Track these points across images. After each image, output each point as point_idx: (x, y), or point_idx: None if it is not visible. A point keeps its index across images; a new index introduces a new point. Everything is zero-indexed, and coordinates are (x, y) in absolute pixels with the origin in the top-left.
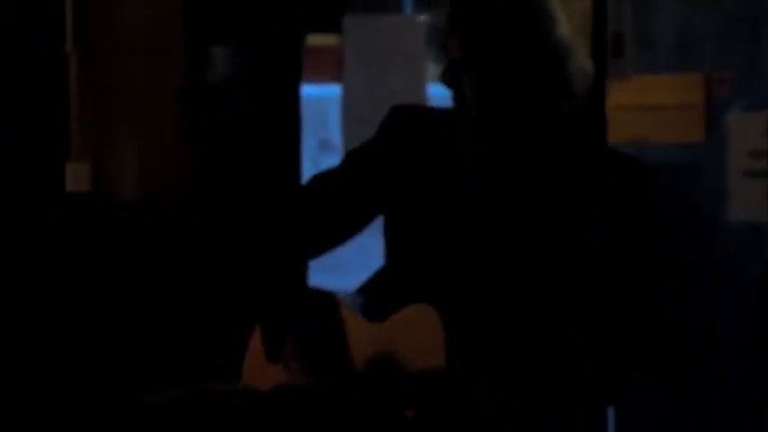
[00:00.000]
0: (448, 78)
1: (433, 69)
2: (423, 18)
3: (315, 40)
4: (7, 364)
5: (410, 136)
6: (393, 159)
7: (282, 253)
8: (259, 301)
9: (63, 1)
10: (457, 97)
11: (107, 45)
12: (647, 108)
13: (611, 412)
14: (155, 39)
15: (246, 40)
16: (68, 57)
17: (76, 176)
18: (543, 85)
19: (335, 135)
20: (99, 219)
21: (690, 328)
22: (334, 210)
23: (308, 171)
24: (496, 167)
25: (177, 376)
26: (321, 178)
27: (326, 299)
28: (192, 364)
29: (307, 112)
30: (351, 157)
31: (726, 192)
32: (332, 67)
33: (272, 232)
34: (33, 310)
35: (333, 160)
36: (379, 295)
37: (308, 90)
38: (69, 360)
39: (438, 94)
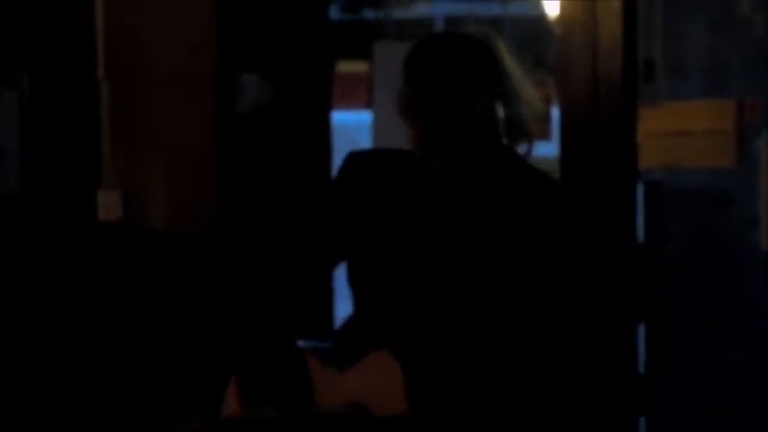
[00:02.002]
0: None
1: None
2: None
3: (345, 66)
4: (35, 389)
5: (364, 182)
6: (349, 206)
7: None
8: (240, 350)
9: (94, 29)
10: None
11: (139, 74)
12: (677, 134)
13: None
14: (187, 67)
15: (277, 67)
16: (100, 85)
17: (108, 205)
18: (495, 127)
19: None
20: (130, 247)
21: (723, 359)
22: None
23: None
24: (450, 208)
25: (203, 405)
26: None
27: (295, 352)
28: (218, 394)
29: (337, 138)
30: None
31: (758, 219)
32: (362, 94)
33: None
34: (64, 337)
35: None
36: (348, 342)
37: (339, 116)
38: (98, 386)
39: None
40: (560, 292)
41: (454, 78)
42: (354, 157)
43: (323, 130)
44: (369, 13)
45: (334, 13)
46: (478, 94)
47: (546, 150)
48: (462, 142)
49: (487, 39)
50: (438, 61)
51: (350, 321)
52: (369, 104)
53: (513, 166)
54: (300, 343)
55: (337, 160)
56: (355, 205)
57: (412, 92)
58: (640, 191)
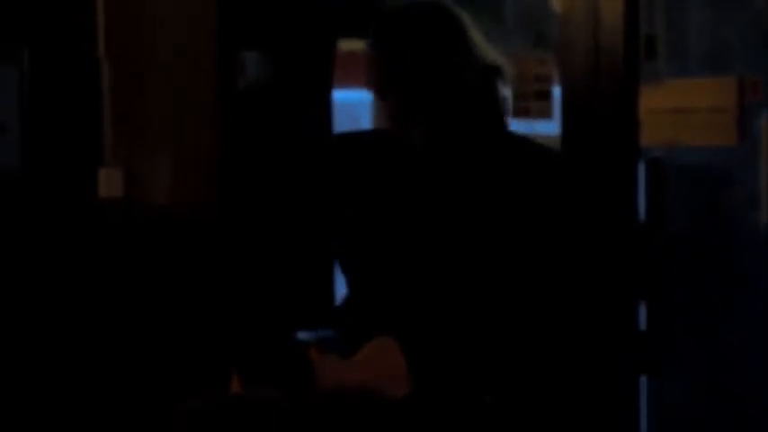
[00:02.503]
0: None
1: None
2: None
3: (347, 44)
4: (41, 365)
5: (347, 163)
6: (335, 187)
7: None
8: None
9: (95, 6)
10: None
11: (139, 51)
12: (679, 111)
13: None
14: (188, 45)
15: (278, 45)
16: (101, 62)
17: (109, 182)
18: (473, 105)
19: None
20: (131, 225)
21: (723, 338)
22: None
23: None
24: (436, 183)
25: (204, 385)
26: None
27: (295, 344)
28: (219, 374)
29: (338, 116)
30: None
31: (759, 197)
32: (363, 72)
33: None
34: (66, 314)
35: None
36: (347, 327)
37: (340, 95)
38: (101, 363)
39: None
40: (558, 268)
41: (429, 45)
42: (335, 138)
43: (324, 109)
44: None
45: None
46: (455, 60)
47: (547, 128)
48: (444, 112)
49: (452, 7)
50: (411, 29)
51: (345, 305)
52: None
53: (499, 135)
54: (301, 334)
55: None
56: (343, 188)
57: (386, 63)
58: (641, 169)
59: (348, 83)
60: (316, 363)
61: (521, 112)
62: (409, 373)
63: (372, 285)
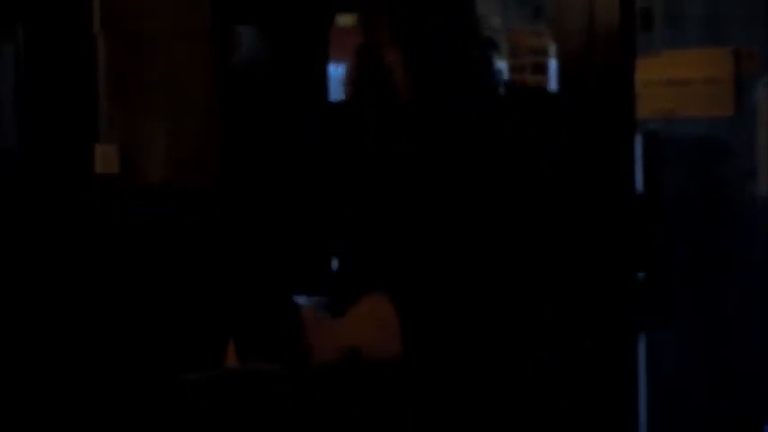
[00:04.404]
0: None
1: None
2: None
3: (343, 19)
4: (44, 345)
5: (343, 133)
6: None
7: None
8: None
9: None
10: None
11: (135, 27)
12: (675, 82)
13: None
14: (183, 20)
15: (274, 19)
16: (96, 38)
17: (105, 158)
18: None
19: None
20: (127, 200)
21: (718, 309)
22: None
23: None
24: (432, 153)
25: (202, 359)
26: None
27: (288, 307)
28: (217, 348)
29: (335, 91)
30: None
31: (756, 168)
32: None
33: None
34: (65, 291)
35: None
36: (341, 290)
37: (336, 70)
38: (100, 340)
39: None
40: (555, 229)
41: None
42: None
43: (320, 83)
44: None
45: None
46: (468, 24)
47: None
48: (453, 72)
49: None
50: None
51: (341, 270)
52: None
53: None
54: (297, 299)
55: None
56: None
57: (404, 9)
58: (638, 141)
59: (344, 57)
60: (307, 324)
61: (517, 85)
62: (402, 330)
63: (367, 249)
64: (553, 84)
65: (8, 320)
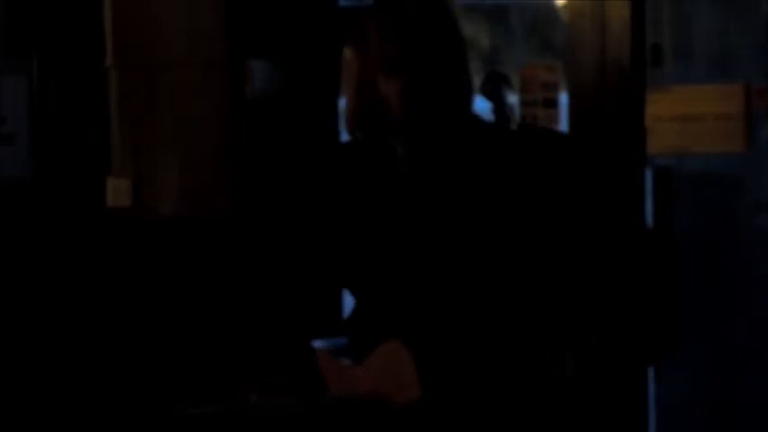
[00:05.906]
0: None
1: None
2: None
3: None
4: (46, 374)
5: (346, 174)
6: (335, 197)
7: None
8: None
9: (103, 15)
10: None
11: (148, 60)
12: (686, 118)
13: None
14: (196, 53)
15: (286, 53)
16: (109, 71)
17: (117, 191)
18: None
19: None
20: (139, 234)
21: (730, 342)
22: None
23: None
24: (432, 181)
25: (211, 392)
26: None
27: (307, 351)
28: (230, 378)
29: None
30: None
31: (766, 203)
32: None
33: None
34: (74, 324)
35: None
36: (357, 333)
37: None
38: (107, 372)
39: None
40: (565, 268)
41: (448, 18)
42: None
43: (331, 116)
44: None
45: None
46: (461, 41)
47: None
48: (455, 94)
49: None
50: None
51: (355, 313)
52: None
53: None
54: (314, 343)
55: None
56: (340, 194)
57: (406, 33)
58: (649, 176)
59: (342, 89)
60: (326, 369)
61: (528, 120)
62: (419, 378)
63: (378, 293)
64: (564, 118)
65: (20, 353)
